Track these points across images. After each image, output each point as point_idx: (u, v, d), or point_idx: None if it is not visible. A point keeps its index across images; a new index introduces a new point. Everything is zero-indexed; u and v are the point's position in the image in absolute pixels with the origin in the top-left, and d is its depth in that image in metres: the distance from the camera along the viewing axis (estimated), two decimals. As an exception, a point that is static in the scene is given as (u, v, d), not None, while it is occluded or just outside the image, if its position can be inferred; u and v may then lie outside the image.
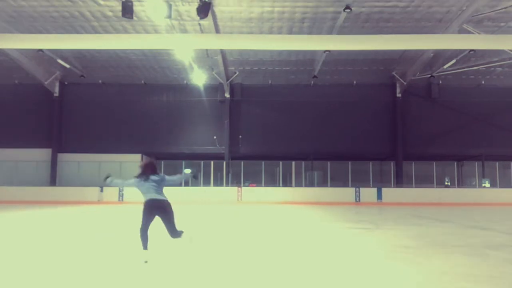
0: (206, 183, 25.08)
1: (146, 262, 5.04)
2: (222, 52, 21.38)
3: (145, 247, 5.07)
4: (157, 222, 5.13)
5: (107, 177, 5.36)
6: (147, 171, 5.21)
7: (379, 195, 22.57)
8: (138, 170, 5.29)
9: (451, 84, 24.92)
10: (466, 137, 24.78)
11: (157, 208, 5.12)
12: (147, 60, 22.79)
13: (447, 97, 25.05)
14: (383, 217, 13.30)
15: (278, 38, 17.20)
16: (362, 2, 16.43)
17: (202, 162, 25.24)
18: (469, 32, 17.32)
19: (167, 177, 5.35)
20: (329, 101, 25.20)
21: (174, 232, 5.21)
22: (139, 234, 5.08)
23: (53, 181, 24.32)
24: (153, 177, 5.17)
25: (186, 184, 26.54)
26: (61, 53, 21.65)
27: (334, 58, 21.65)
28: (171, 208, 5.20)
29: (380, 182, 24.56)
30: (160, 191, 5.19)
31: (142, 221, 5.10)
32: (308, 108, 25.22)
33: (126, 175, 27.20)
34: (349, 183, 24.15)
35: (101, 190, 22.60)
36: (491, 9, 16.57)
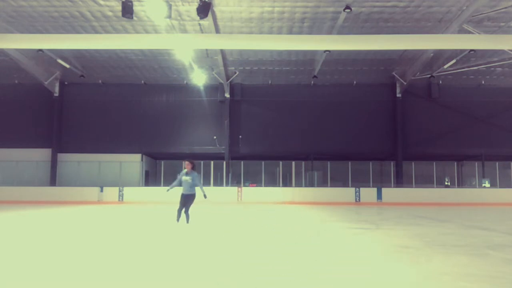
0: (206, 183, 25.10)
1: None
2: (222, 52, 21.38)
3: None
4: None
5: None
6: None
7: (379, 195, 22.57)
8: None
9: (451, 84, 24.93)
10: (466, 137, 24.79)
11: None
12: (147, 60, 22.79)
13: (447, 97, 25.05)
14: (383, 217, 13.29)
15: (278, 38, 17.20)
16: (362, 2, 16.45)
17: (202, 162, 25.27)
18: (469, 32, 17.33)
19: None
20: (329, 101, 25.21)
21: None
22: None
23: (53, 181, 24.33)
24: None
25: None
26: (61, 53, 21.66)
27: (334, 58, 21.67)
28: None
29: (380, 182, 24.59)
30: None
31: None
32: (308, 108, 25.22)
33: (126, 175, 27.13)
34: (349, 183, 24.20)
35: (101, 190, 22.61)
36: (491, 9, 16.58)
